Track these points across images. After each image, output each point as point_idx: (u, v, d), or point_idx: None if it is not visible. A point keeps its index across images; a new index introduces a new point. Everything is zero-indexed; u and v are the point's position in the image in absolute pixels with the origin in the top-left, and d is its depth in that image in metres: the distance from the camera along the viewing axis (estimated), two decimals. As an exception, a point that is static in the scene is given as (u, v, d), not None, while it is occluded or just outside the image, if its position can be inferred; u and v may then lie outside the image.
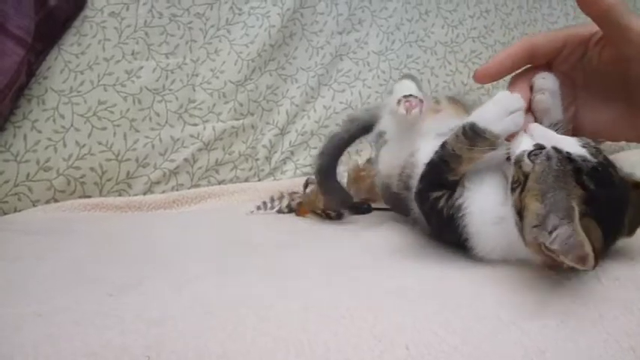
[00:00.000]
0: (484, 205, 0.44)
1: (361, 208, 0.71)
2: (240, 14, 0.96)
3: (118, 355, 0.31)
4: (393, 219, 0.64)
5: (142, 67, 0.87)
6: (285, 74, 0.98)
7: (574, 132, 0.49)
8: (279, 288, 0.41)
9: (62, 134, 0.81)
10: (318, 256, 0.53)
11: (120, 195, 0.83)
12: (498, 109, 0.44)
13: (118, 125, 0.84)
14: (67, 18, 0.84)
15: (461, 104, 0.64)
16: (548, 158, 0.39)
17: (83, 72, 0.84)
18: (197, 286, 0.42)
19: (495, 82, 0.50)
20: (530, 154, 0.41)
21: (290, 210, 0.76)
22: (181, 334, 0.33)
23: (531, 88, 0.48)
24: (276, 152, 0.94)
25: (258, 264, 0.51)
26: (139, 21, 0.88)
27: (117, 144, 0.84)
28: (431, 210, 0.47)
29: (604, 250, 0.38)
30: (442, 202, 0.46)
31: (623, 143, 1.18)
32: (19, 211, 0.77)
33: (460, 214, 0.45)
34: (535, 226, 0.37)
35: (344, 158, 0.70)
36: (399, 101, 0.56)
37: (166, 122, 0.87)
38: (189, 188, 0.87)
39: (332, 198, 0.69)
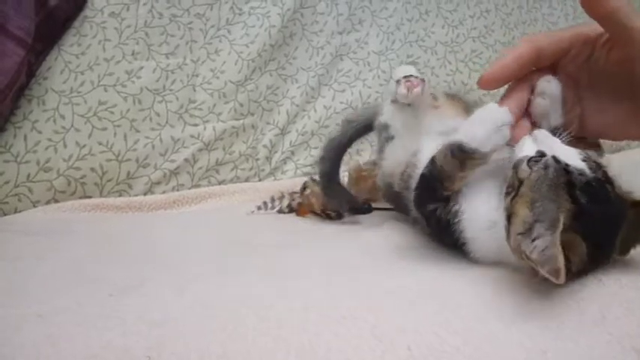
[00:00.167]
0: (479, 209, 0.44)
1: (362, 208, 0.71)
2: (240, 14, 0.96)
3: (119, 356, 0.31)
4: (393, 219, 0.64)
5: (142, 68, 0.87)
6: (285, 74, 0.98)
7: (579, 132, 0.48)
8: (279, 288, 0.40)
9: (62, 135, 0.81)
10: (318, 256, 0.53)
11: (120, 195, 0.83)
12: (487, 126, 0.43)
13: (118, 126, 0.84)
14: (67, 18, 0.84)
15: (459, 101, 0.64)
16: (546, 167, 0.39)
17: (83, 72, 0.84)
18: (198, 286, 0.42)
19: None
20: (529, 160, 0.40)
21: (290, 210, 0.76)
22: (182, 335, 0.33)
23: (532, 90, 0.48)
24: (276, 152, 0.94)
25: (259, 264, 0.51)
26: (139, 21, 0.88)
27: (117, 144, 0.83)
28: (429, 216, 0.47)
29: (591, 267, 0.38)
30: (439, 211, 0.46)
31: (624, 143, 1.18)
32: (20, 211, 0.77)
33: (456, 220, 0.45)
34: (520, 234, 0.37)
35: (345, 158, 0.70)
36: (398, 81, 0.55)
37: (167, 122, 0.87)
38: (189, 188, 0.87)
39: (338, 202, 0.69)
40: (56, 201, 0.79)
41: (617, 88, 0.46)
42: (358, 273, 0.45)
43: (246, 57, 0.94)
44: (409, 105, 0.57)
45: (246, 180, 0.92)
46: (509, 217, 0.39)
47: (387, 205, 0.68)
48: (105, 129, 0.83)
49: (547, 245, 0.34)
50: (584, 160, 0.40)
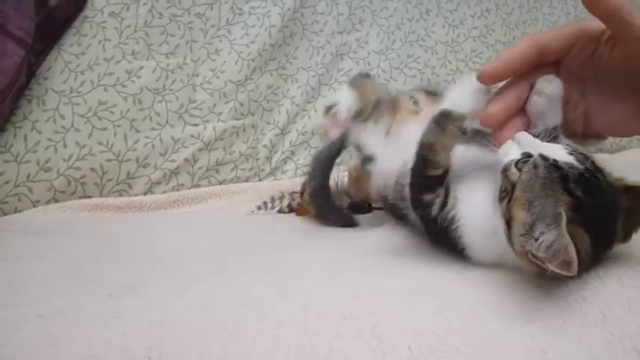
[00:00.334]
0: (476, 217, 0.44)
1: (362, 208, 0.71)
2: (240, 14, 0.96)
3: (119, 356, 0.31)
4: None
5: (142, 67, 0.87)
6: (285, 74, 0.98)
7: (584, 130, 0.48)
8: (279, 288, 0.40)
9: (62, 135, 0.81)
10: (318, 256, 0.53)
11: (120, 195, 0.83)
12: (462, 89, 0.45)
13: (118, 125, 0.84)
14: (67, 18, 0.84)
15: (441, 97, 0.64)
16: (535, 167, 0.39)
17: (83, 72, 0.84)
18: (198, 286, 0.42)
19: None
20: (517, 162, 0.40)
21: (290, 210, 0.76)
22: (182, 335, 0.33)
23: (532, 88, 0.47)
24: (276, 152, 0.94)
25: (259, 264, 0.51)
26: (139, 21, 0.88)
27: (117, 144, 0.83)
28: (425, 216, 0.47)
29: (594, 259, 0.38)
30: (435, 210, 0.46)
31: (624, 143, 1.18)
32: (20, 211, 0.77)
33: (454, 227, 0.45)
34: (522, 235, 0.37)
35: (345, 158, 0.70)
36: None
37: (167, 122, 0.87)
38: (189, 188, 0.87)
39: (331, 220, 0.68)
40: (56, 201, 0.79)
41: (622, 84, 0.45)
42: (358, 273, 0.45)
43: (246, 57, 0.94)
44: (374, 122, 0.57)
45: (247, 180, 0.92)
46: (508, 222, 0.39)
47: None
48: (105, 129, 0.83)
49: (554, 239, 0.34)
50: (571, 154, 0.39)
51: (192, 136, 0.88)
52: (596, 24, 0.44)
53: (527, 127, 0.47)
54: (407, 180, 0.48)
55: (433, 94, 0.64)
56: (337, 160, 0.68)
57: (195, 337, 0.33)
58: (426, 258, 0.48)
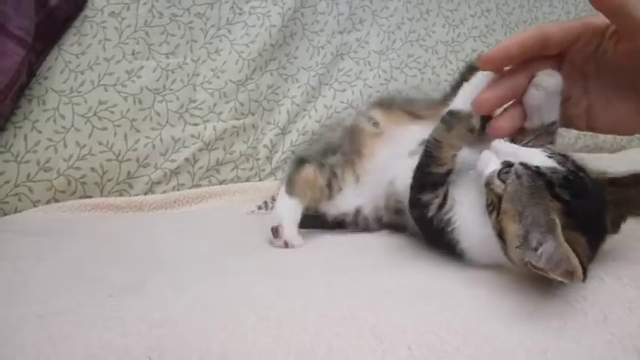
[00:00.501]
0: (472, 222, 0.44)
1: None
2: (240, 14, 0.96)
3: (119, 356, 0.31)
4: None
5: (142, 67, 0.87)
6: (285, 74, 0.98)
7: (588, 126, 0.48)
8: (279, 288, 0.40)
9: (63, 134, 0.81)
10: (318, 256, 0.53)
11: (121, 195, 0.83)
12: (467, 89, 0.45)
13: (118, 125, 0.84)
14: (68, 18, 0.84)
15: (398, 109, 0.63)
16: (518, 176, 0.38)
17: (83, 72, 0.84)
18: (198, 286, 0.41)
19: None
20: (499, 174, 0.40)
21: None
22: (182, 335, 0.33)
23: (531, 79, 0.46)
24: (277, 152, 0.94)
25: (258, 264, 0.51)
26: (140, 21, 0.88)
27: (117, 144, 0.83)
28: (422, 217, 0.47)
29: (592, 257, 0.38)
30: (432, 211, 0.46)
31: (624, 142, 1.18)
32: (20, 211, 0.77)
33: (450, 229, 0.45)
34: (518, 247, 0.37)
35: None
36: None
37: (167, 122, 0.87)
38: (190, 188, 0.87)
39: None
40: (56, 201, 0.79)
41: (625, 80, 0.45)
42: (358, 273, 0.45)
43: (246, 56, 0.94)
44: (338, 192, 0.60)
45: (247, 180, 0.92)
46: (500, 234, 0.39)
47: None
48: (105, 129, 0.83)
49: (553, 250, 0.34)
50: (551, 157, 0.39)
51: (192, 135, 0.88)
52: (600, 19, 0.44)
53: (524, 120, 0.47)
54: (397, 196, 0.48)
55: (388, 106, 0.64)
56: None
57: (195, 337, 0.33)
58: (426, 258, 0.48)
